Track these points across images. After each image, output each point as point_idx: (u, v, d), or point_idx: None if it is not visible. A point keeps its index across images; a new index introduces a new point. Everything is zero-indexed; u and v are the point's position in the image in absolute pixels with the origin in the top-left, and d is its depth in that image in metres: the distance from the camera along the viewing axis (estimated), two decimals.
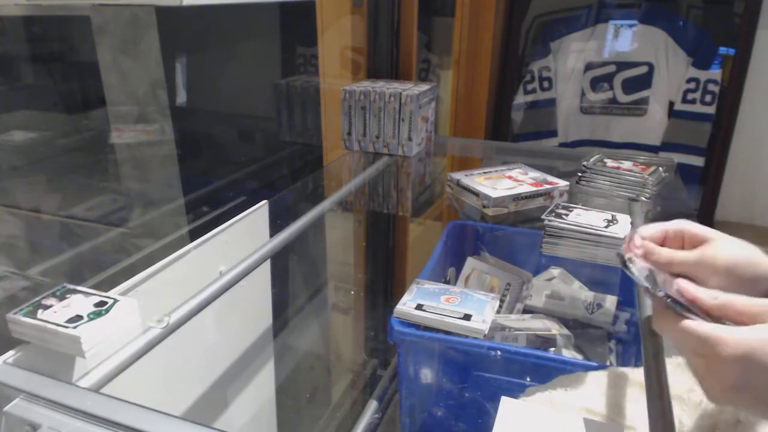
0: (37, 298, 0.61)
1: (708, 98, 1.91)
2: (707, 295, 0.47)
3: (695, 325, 0.45)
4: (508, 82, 2.09)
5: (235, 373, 1.07)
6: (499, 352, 0.79)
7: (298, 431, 1.42)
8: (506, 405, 0.56)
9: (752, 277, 0.52)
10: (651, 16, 1.96)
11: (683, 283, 0.49)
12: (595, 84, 2.05)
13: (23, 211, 1.17)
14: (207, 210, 1.41)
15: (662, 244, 0.57)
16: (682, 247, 0.56)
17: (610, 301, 1.09)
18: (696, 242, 0.55)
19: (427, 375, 0.88)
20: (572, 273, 1.19)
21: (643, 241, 0.56)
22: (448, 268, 1.17)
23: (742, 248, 0.53)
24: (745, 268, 0.51)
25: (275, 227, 1.01)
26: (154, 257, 0.83)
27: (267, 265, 1.13)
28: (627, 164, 1.17)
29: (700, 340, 0.44)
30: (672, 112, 1.98)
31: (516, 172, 1.18)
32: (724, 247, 0.53)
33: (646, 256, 0.55)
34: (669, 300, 0.48)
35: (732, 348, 0.42)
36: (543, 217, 0.93)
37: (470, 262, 1.14)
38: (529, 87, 2.10)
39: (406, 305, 0.84)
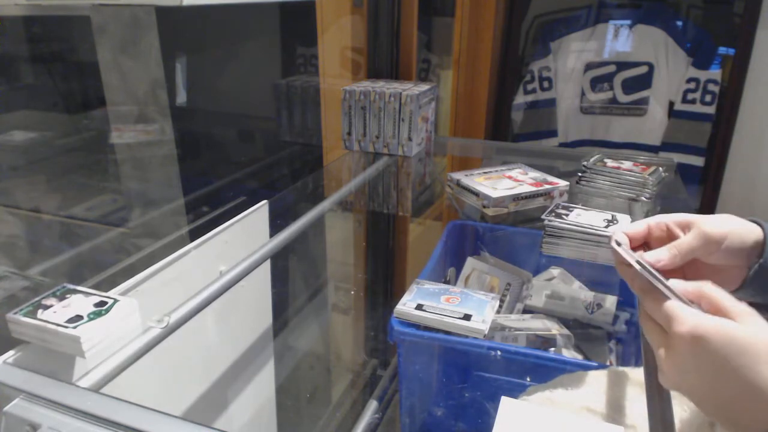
0: (37, 298, 0.61)
1: (708, 98, 1.91)
2: (691, 288, 0.49)
3: (668, 301, 0.48)
4: (508, 82, 2.09)
5: (235, 373, 1.07)
6: (499, 352, 0.79)
7: (298, 431, 1.42)
8: (506, 405, 0.56)
9: (740, 247, 0.55)
10: (651, 16, 1.96)
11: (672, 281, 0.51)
12: (595, 84, 2.05)
13: (23, 211, 1.17)
14: (207, 210, 1.41)
15: (647, 239, 0.58)
16: (666, 238, 0.57)
17: (610, 301, 1.09)
18: (682, 227, 0.57)
19: (427, 375, 0.88)
20: (572, 273, 1.19)
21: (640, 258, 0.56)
22: (448, 268, 1.17)
23: (725, 221, 0.55)
24: (733, 239, 0.54)
25: (275, 227, 1.01)
26: (154, 257, 0.83)
27: (267, 265, 1.13)
28: (627, 164, 1.17)
29: (664, 314, 0.47)
30: (672, 112, 1.98)
31: (516, 172, 1.18)
32: (713, 224, 0.54)
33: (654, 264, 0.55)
34: (656, 279, 0.50)
35: (688, 326, 0.44)
36: (543, 217, 0.93)
37: (470, 262, 1.14)
38: (529, 87, 2.09)
39: (406, 305, 0.84)
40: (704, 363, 0.43)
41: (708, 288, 0.48)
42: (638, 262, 0.52)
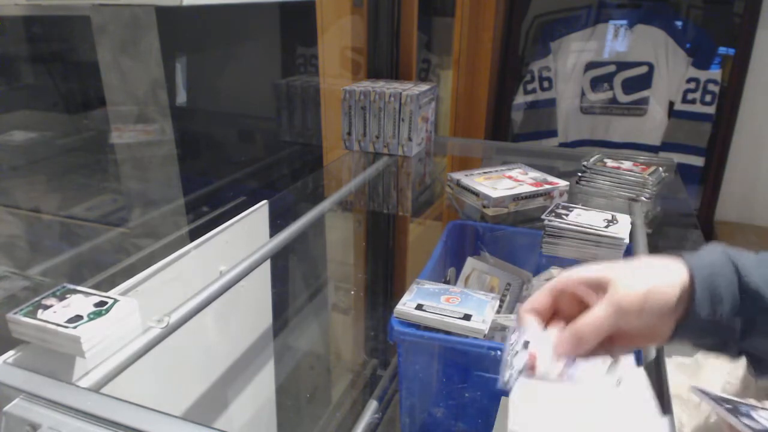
0: (37, 298, 0.61)
1: (708, 98, 1.91)
2: None
3: None
4: (508, 82, 2.09)
5: (235, 373, 1.07)
6: (499, 352, 0.79)
7: (298, 431, 1.42)
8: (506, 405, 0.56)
9: (661, 307, 0.48)
10: (651, 16, 1.96)
11: None
12: (595, 84, 2.05)
13: (23, 211, 1.17)
14: (207, 210, 1.41)
15: (555, 305, 0.52)
16: (576, 304, 0.51)
17: None
18: (595, 288, 0.50)
19: (427, 375, 0.88)
20: None
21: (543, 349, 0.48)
22: (448, 268, 1.17)
23: (644, 278, 0.48)
24: (654, 301, 0.47)
25: (275, 227, 1.01)
26: (154, 257, 0.83)
27: (267, 265, 1.13)
28: (627, 164, 1.17)
29: None
30: (672, 112, 1.98)
31: (516, 172, 1.18)
32: (628, 288, 0.47)
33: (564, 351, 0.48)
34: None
35: None
36: (543, 217, 0.93)
37: (470, 262, 1.14)
38: (529, 87, 2.10)
39: (406, 305, 0.83)
40: None
41: None
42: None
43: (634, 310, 0.46)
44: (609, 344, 0.49)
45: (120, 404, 0.51)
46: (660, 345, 0.51)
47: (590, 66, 2.05)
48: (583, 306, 0.50)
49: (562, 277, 0.51)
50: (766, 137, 1.88)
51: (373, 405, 0.97)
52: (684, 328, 0.49)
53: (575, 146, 2.14)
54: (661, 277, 0.48)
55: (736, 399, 0.48)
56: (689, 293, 0.48)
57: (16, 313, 0.58)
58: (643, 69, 1.99)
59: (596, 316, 0.47)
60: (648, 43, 1.96)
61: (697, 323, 0.48)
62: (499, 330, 0.94)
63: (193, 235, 0.94)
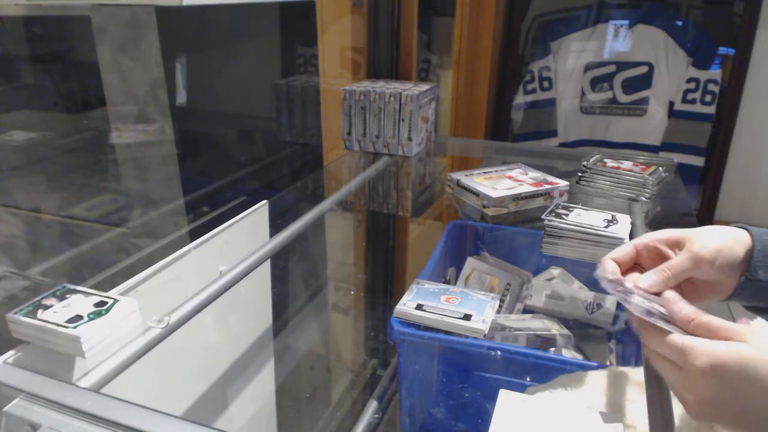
0: (37, 298, 0.61)
1: (708, 98, 1.91)
2: (684, 314, 0.49)
3: (672, 335, 0.47)
4: (508, 82, 2.09)
5: (235, 373, 1.07)
6: (499, 352, 0.79)
7: (298, 431, 1.42)
8: (505, 397, 0.57)
9: (732, 262, 0.54)
10: (651, 16, 1.96)
11: (668, 294, 0.51)
12: (595, 84, 2.05)
13: (23, 211, 1.17)
14: (207, 210, 1.41)
15: (636, 260, 0.58)
16: (657, 258, 0.57)
17: (610, 301, 1.09)
18: (672, 246, 0.57)
19: (427, 375, 0.88)
20: (572, 273, 1.19)
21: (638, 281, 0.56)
22: (448, 268, 1.17)
23: (715, 236, 0.55)
24: (725, 255, 0.54)
25: (275, 227, 1.01)
26: (154, 257, 0.83)
27: (267, 265, 1.13)
28: (627, 164, 1.17)
29: (675, 349, 0.46)
30: (672, 112, 1.98)
31: (516, 172, 1.18)
32: (704, 243, 0.54)
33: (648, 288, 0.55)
34: (649, 313, 0.50)
35: (705, 358, 0.44)
36: (543, 217, 0.93)
37: (470, 262, 1.14)
38: (529, 87, 2.10)
39: (406, 305, 0.83)
40: (730, 389, 0.43)
41: (703, 317, 0.47)
42: (625, 291, 0.53)
43: (708, 261, 0.53)
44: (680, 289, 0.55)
45: (120, 404, 0.51)
46: (721, 300, 0.59)
47: (590, 66, 2.05)
48: (662, 260, 0.56)
49: (645, 235, 0.58)
50: (766, 137, 1.88)
51: (373, 405, 0.97)
52: (743, 286, 0.55)
53: (575, 146, 2.14)
54: (730, 236, 0.55)
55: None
56: (749, 255, 0.54)
57: (16, 313, 0.58)
58: (643, 69, 1.99)
59: (678, 261, 0.54)
60: (648, 43, 1.96)
61: (753, 283, 0.54)
62: (499, 330, 0.94)
63: (193, 235, 0.94)
